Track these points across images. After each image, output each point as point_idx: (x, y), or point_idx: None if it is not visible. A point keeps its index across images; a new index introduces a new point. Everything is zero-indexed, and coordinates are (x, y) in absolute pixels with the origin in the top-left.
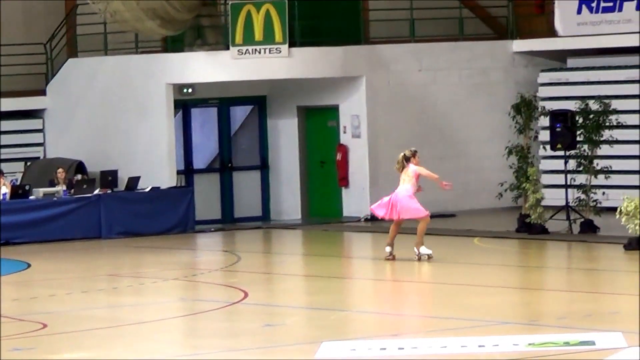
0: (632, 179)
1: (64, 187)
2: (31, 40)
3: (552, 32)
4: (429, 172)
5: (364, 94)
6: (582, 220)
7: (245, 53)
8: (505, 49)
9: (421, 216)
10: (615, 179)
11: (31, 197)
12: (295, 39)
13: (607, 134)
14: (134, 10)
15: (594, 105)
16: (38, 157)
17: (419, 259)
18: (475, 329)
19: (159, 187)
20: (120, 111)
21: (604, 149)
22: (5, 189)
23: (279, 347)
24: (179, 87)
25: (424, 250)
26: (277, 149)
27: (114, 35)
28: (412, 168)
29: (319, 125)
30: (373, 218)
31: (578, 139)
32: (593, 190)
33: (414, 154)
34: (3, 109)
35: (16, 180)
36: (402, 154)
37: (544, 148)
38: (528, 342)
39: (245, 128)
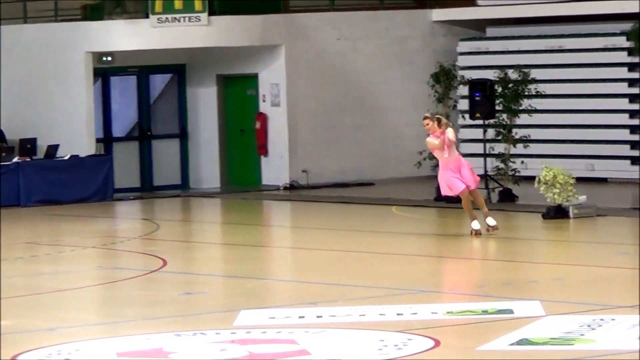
0: (551, 148)
1: None
2: None
3: (471, 1)
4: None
5: (283, 62)
6: (501, 189)
7: (165, 21)
8: (424, 17)
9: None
10: (534, 148)
11: None
12: (215, 8)
13: (526, 103)
14: None
15: (513, 75)
16: None
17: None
18: (394, 297)
19: (77, 155)
20: (40, 79)
21: (523, 118)
22: None
23: (197, 315)
24: (98, 56)
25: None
26: (197, 117)
27: (33, 3)
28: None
29: (239, 93)
30: (292, 186)
31: (497, 108)
32: (512, 159)
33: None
34: None
35: None
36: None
37: (463, 117)
38: (446, 311)
39: (164, 96)
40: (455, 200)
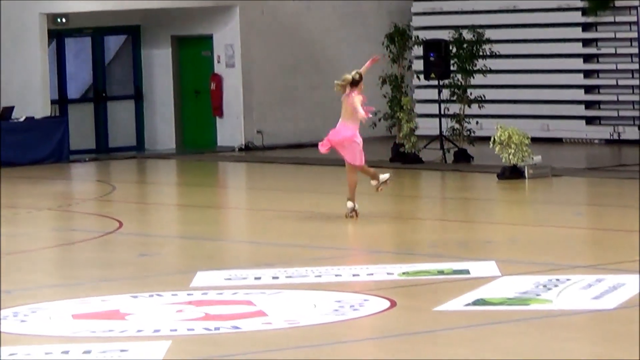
0: (506, 109)
1: None
2: None
3: None
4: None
5: (238, 23)
6: (456, 149)
7: None
8: None
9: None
10: (488, 109)
11: None
12: None
13: (480, 63)
14: None
15: (467, 35)
16: None
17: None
18: (349, 258)
19: (33, 117)
20: None
21: (478, 79)
22: None
23: (154, 277)
24: (52, 17)
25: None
26: (151, 78)
27: None
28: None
29: (193, 55)
30: (247, 147)
31: (452, 68)
32: (467, 120)
33: (361, 77)
34: None
35: None
36: (351, 74)
37: (418, 77)
38: (402, 271)
39: (119, 58)
40: (410, 161)
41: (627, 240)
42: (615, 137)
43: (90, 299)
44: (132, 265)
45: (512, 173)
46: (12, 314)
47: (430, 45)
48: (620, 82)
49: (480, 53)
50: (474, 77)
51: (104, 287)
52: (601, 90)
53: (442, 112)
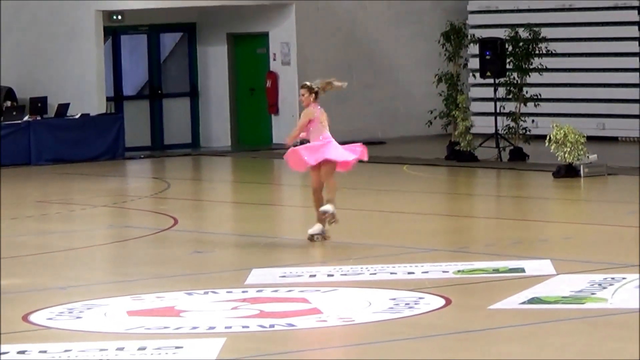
0: (561, 107)
1: None
2: None
3: None
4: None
5: (294, 21)
6: (512, 147)
7: None
8: None
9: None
10: (544, 107)
11: None
12: None
13: (536, 61)
14: None
15: (523, 33)
16: None
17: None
18: (404, 256)
19: (88, 114)
20: (50, 38)
21: (534, 77)
22: None
23: (208, 274)
24: (108, 14)
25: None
26: (207, 76)
27: None
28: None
29: (249, 52)
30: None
31: (507, 66)
32: (522, 118)
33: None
34: None
35: None
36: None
37: (474, 76)
38: (457, 269)
39: (174, 55)
40: (466, 159)
41: None
42: None
43: (145, 295)
44: (187, 262)
45: (567, 172)
46: (67, 311)
47: (486, 44)
48: None
49: (536, 51)
50: (529, 76)
51: (159, 284)
52: None
53: (498, 111)
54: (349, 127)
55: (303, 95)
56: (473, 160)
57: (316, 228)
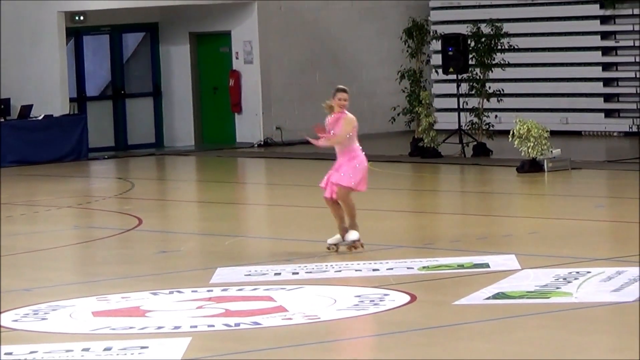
0: (525, 102)
1: None
2: None
3: None
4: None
5: (256, 19)
6: (475, 143)
7: None
8: None
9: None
10: (507, 102)
11: None
12: None
13: (499, 57)
14: None
15: (486, 29)
16: None
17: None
18: (369, 253)
19: (52, 115)
20: (12, 40)
21: (496, 72)
22: None
23: (174, 274)
24: (70, 15)
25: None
26: (170, 75)
27: None
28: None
29: (212, 51)
30: (266, 143)
31: (470, 62)
32: (485, 114)
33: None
34: None
35: None
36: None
37: (436, 72)
38: (422, 266)
39: (137, 55)
40: (429, 155)
41: None
42: (634, 129)
43: (111, 296)
44: (152, 262)
45: (531, 166)
46: (33, 312)
47: (449, 40)
48: None
49: (499, 47)
50: (492, 71)
51: (124, 284)
52: (620, 83)
53: (461, 106)
54: (313, 125)
55: (346, 100)
56: (437, 156)
57: (334, 238)
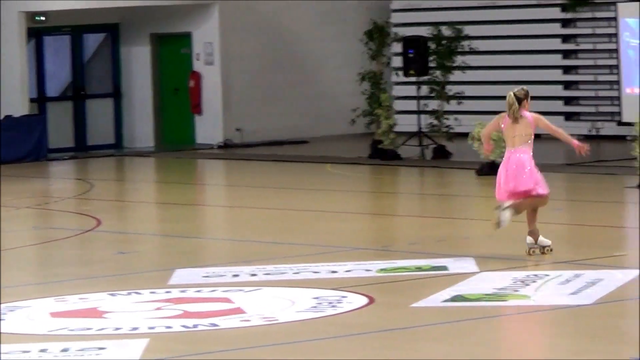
0: (484, 105)
1: None
2: None
3: None
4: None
5: (217, 21)
6: (435, 146)
7: None
8: None
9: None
10: (467, 105)
11: None
12: None
13: (459, 59)
14: None
15: (446, 31)
16: None
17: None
18: (327, 255)
19: (11, 116)
20: None
21: (457, 75)
22: None
23: (132, 275)
24: (31, 15)
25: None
26: (130, 76)
27: None
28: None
29: (172, 52)
30: (226, 145)
31: (431, 65)
32: (445, 116)
33: (526, 94)
34: None
35: None
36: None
37: (397, 74)
38: (380, 268)
39: (98, 56)
40: (389, 157)
41: (605, 235)
42: (594, 132)
43: (69, 297)
44: (110, 263)
45: (490, 169)
46: None
47: (409, 42)
48: (599, 78)
49: (459, 49)
50: (452, 74)
51: (82, 285)
52: (580, 86)
53: (421, 109)
54: (274, 126)
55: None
56: (396, 158)
57: (528, 240)
